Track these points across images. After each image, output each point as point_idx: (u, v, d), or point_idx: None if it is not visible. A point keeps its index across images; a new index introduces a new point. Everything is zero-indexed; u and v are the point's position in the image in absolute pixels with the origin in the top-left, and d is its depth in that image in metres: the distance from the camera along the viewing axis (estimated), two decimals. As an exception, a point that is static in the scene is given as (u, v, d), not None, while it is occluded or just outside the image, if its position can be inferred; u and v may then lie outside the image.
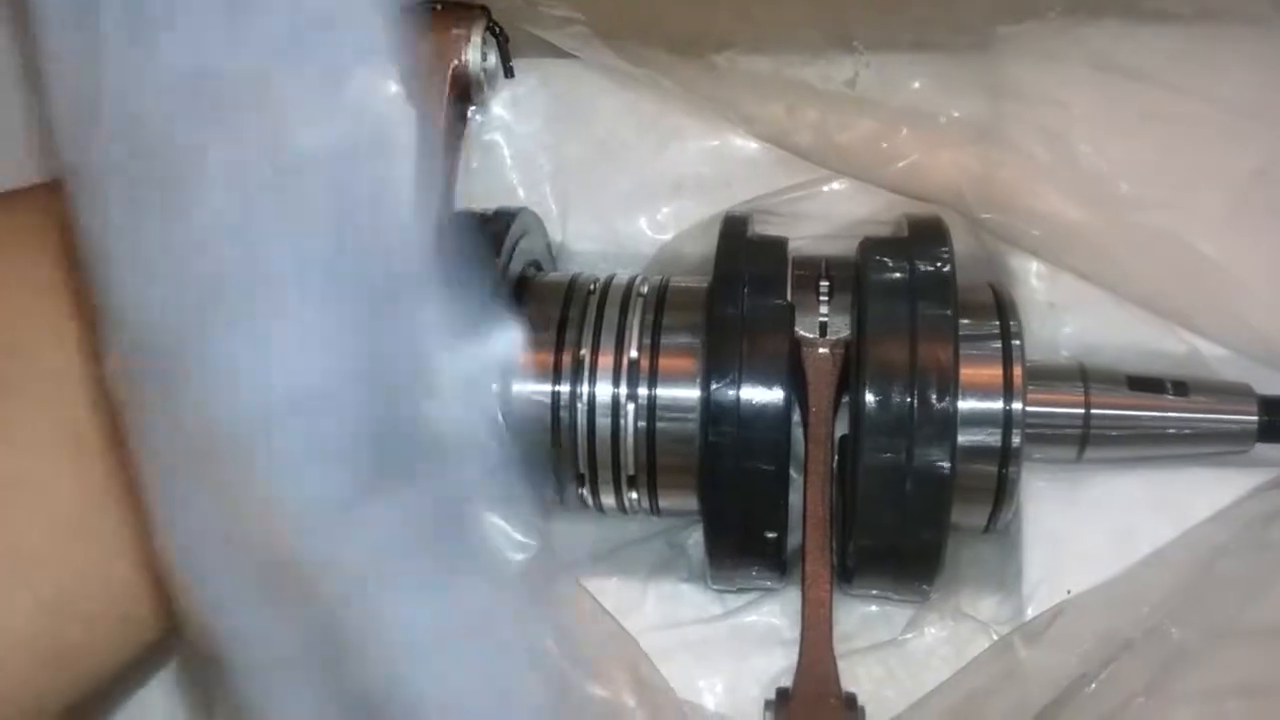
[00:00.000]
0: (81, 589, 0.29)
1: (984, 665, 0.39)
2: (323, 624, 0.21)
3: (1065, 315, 0.43)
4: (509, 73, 0.47)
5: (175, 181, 0.19)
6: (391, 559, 0.20)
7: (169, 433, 0.21)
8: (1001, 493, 0.39)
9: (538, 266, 0.44)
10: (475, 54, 0.45)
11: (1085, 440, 0.40)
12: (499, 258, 0.40)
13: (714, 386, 0.38)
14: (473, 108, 0.47)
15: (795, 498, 0.40)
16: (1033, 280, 0.43)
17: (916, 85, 0.43)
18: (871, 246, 0.40)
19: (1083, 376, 0.40)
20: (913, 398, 0.36)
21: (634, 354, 0.40)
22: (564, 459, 0.41)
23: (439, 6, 0.45)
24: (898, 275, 0.38)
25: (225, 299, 0.19)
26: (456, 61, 0.45)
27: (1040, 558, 0.41)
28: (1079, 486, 0.41)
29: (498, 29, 0.46)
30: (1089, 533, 0.41)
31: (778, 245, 0.41)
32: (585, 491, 0.42)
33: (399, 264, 0.19)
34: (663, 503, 0.42)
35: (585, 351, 0.40)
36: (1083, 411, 0.40)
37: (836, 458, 0.40)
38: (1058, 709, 0.36)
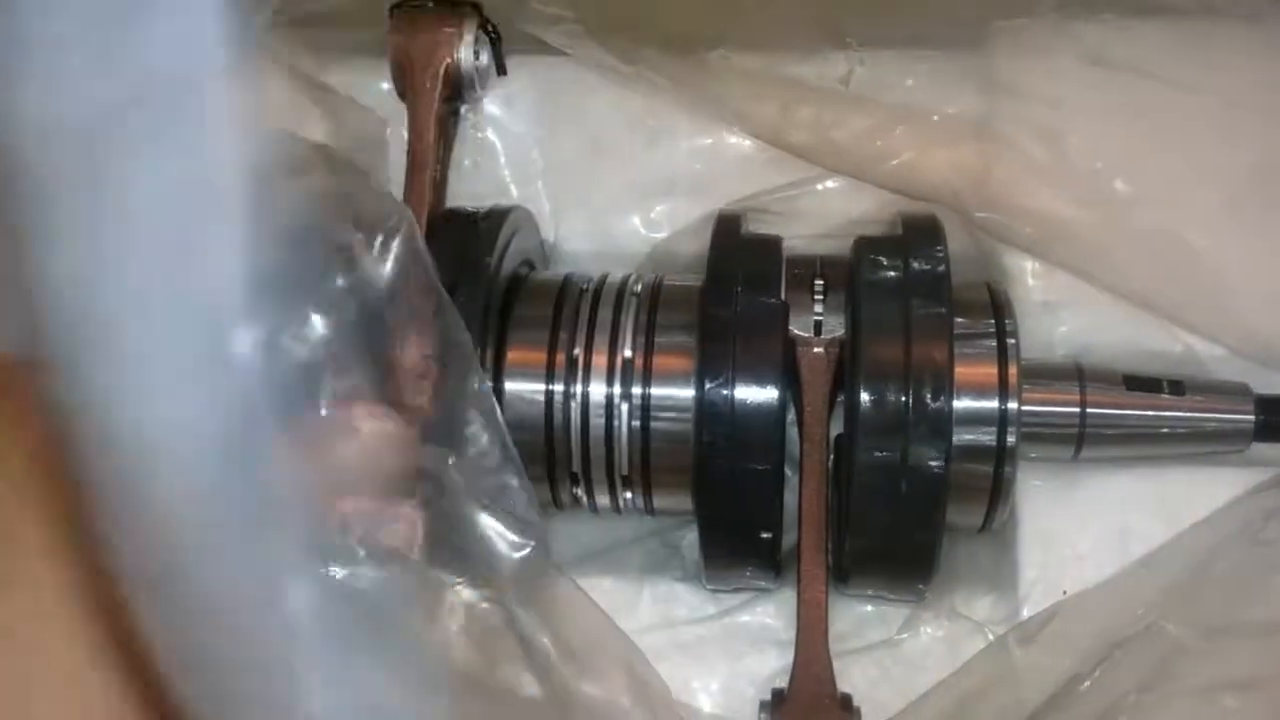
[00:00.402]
0: None
1: (979, 666, 0.39)
2: None
3: (1061, 314, 0.43)
4: (501, 70, 0.47)
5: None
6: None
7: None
8: (997, 492, 0.38)
9: (530, 265, 0.44)
10: (467, 52, 0.45)
11: (1081, 439, 0.40)
12: (491, 256, 0.40)
13: (708, 386, 0.38)
14: (464, 106, 0.47)
15: (791, 498, 0.40)
16: (1028, 279, 0.43)
17: (910, 82, 0.42)
18: (865, 245, 0.40)
19: (1079, 375, 0.40)
20: (908, 397, 0.36)
21: (628, 353, 0.40)
22: (558, 459, 0.41)
23: (431, 5, 0.45)
24: (892, 274, 0.38)
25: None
26: (449, 60, 0.45)
27: (1036, 557, 0.41)
28: (1075, 486, 0.41)
29: (490, 27, 0.46)
30: (1085, 532, 0.40)
31: (772, 244, 0.41)
32: (580, 491, 0.42)
33: None
34: (657, 502, 0.42)
35: (579, 351, 0.40)
36: (1079, 410, 0.39)
37: (832, 457, 0.40)
38: (1052, 709, 0.36)
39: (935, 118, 0.42)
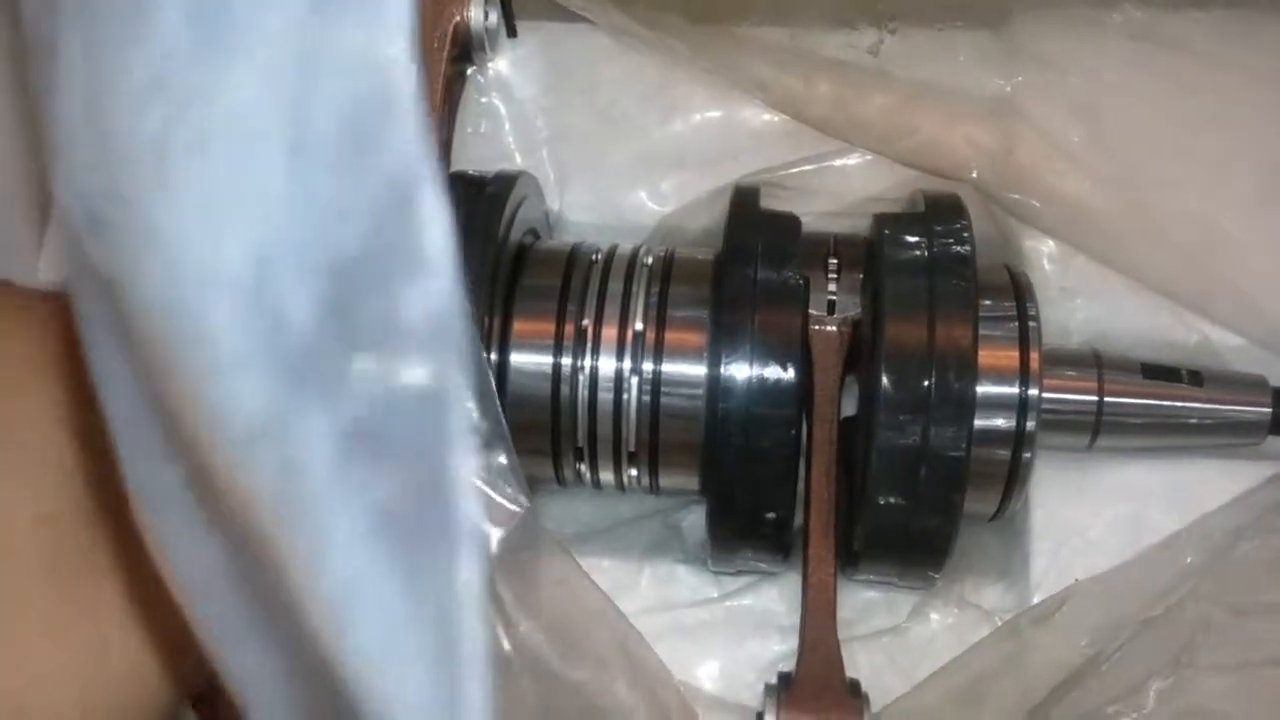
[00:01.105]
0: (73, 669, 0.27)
1: (990, 647, 0.39)
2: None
3: (1079, 299, 0.42)
4: (512, 31, 0.45)
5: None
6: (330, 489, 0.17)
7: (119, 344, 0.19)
8: (1013, 479, 0.38)
9: (535, 234, 0.43)
10: (477, 11, 0.43)
11: (1098, 428, 0.39)
12: (497, 224, 0.38)
13: (724, 361, 0.37)
14: (472, 67, 0.45)
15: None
16: (1046, 264, 0.42)
17: (938, 57, 0.41)
18: (887, 222, 0.39)
19: (1097, 363, 0.39)
20: (930, 379, 0.35)
21: (639, 326, 0.39)
22: (563, 433, 0.39)
23: (441, -40, 0.43)
24: (916, 252, 0.37)
25: (173, 151, 0.17)
26: (457, 18, 0.43)
27: (1048, 546, 0.40)
28: (1088, 475, 0.41)
29: (502, -14, 0.44)
30: (1097, 522, 0.40)
31: (790, 220, 0.40)
32: (584, 467, 0.41)
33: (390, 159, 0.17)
34: (663, 481, 0.41)
35: (588, 322, 0.39)
36: (1096, 398, 0.39)
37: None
38: (1072, 687, 0.35)
39: (960, 94, 0.41)
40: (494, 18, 0.44)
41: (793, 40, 0.41)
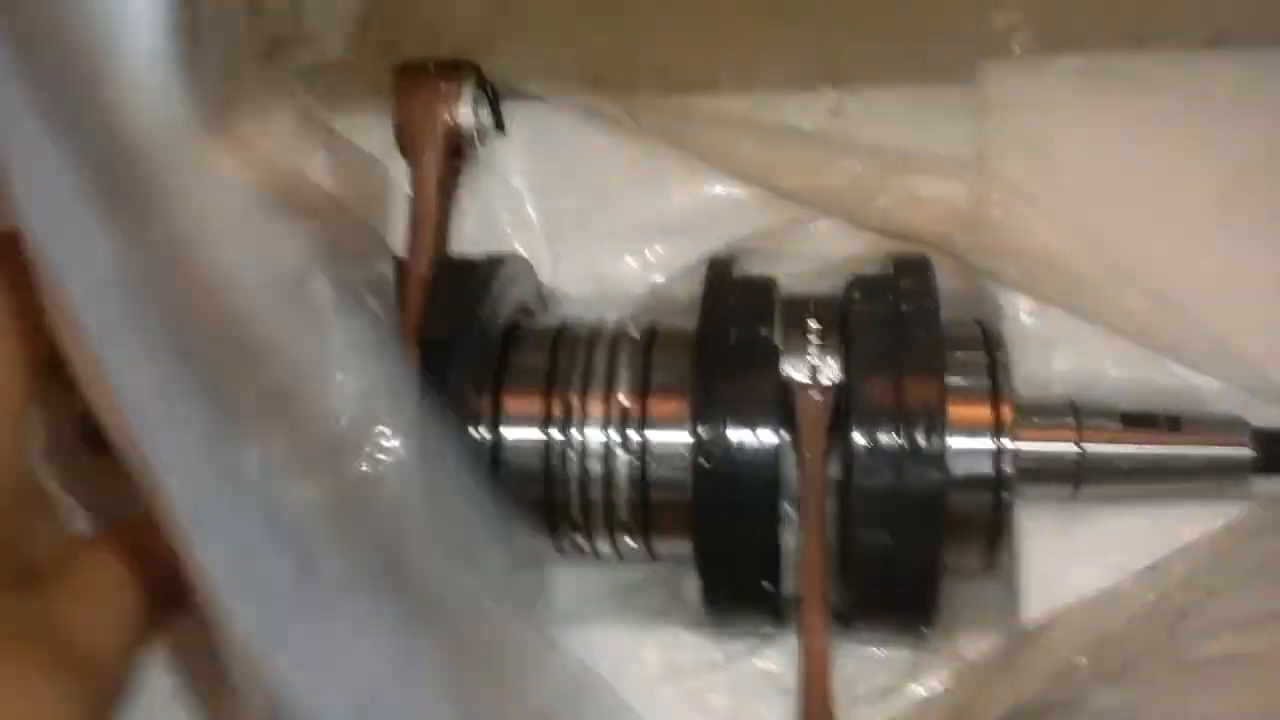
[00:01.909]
0: None
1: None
2: None
3: (1057, 350, 0.43)
4: (500, 127, 0.48)
5: None
6: None
7: None
8: (995, 531, 0.38)
9: (527, 312, 0.45)
10: (466, 111, 0.46)
11: (1081, 476, 0.39)
12: (485, 307, 0.40)
13: (701, 429, 0.38)
14: (465, 161, 0.48)
15: (793, 542, 0.40)
16: (1023, 316, 0.43)
17: (900, 115, 0.43)
18: (854, 285, 0.40)
19: (1074, 412, 0.40)
20: (900, 437, 0.36)
21: (623, 399, 0.40)
22: (558, 506, 0.41)
23: (432, 67, 0.46)
24: (882, 312, 0.38)
25: None
26: (448, 119, 0.46)
27: (1038, 597, 0.40)
28: (1076, 523, 0.41)
29: (488, 85, 0.47)
30: (1087, 570, 0.40)
31: (764, 285, 0.41)
32: (580, 538, 0.42)
33: None
34: (659, 549, 0.42)
35: (574, 398, 0.40)
36: (1075, 448, 0.39)
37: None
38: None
39: (922, 158, 0.42)
40: (484, 115, 0.47)
41: (755, 108, 0.43)
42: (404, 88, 0.46)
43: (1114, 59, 0.40)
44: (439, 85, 0.46)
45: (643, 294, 0.47)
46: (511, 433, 0.40)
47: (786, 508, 0.39)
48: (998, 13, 0.41)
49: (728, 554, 0.39)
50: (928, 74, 0.43)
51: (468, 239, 0.47)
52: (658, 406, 0.40)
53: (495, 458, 0.40)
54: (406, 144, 0.46)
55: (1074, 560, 0.41)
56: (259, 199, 0.27)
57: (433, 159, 0.46)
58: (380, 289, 0.35)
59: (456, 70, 0.46)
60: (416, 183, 0.46)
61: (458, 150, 0.47)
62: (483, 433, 0.40)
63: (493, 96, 0.47)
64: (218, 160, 0.23)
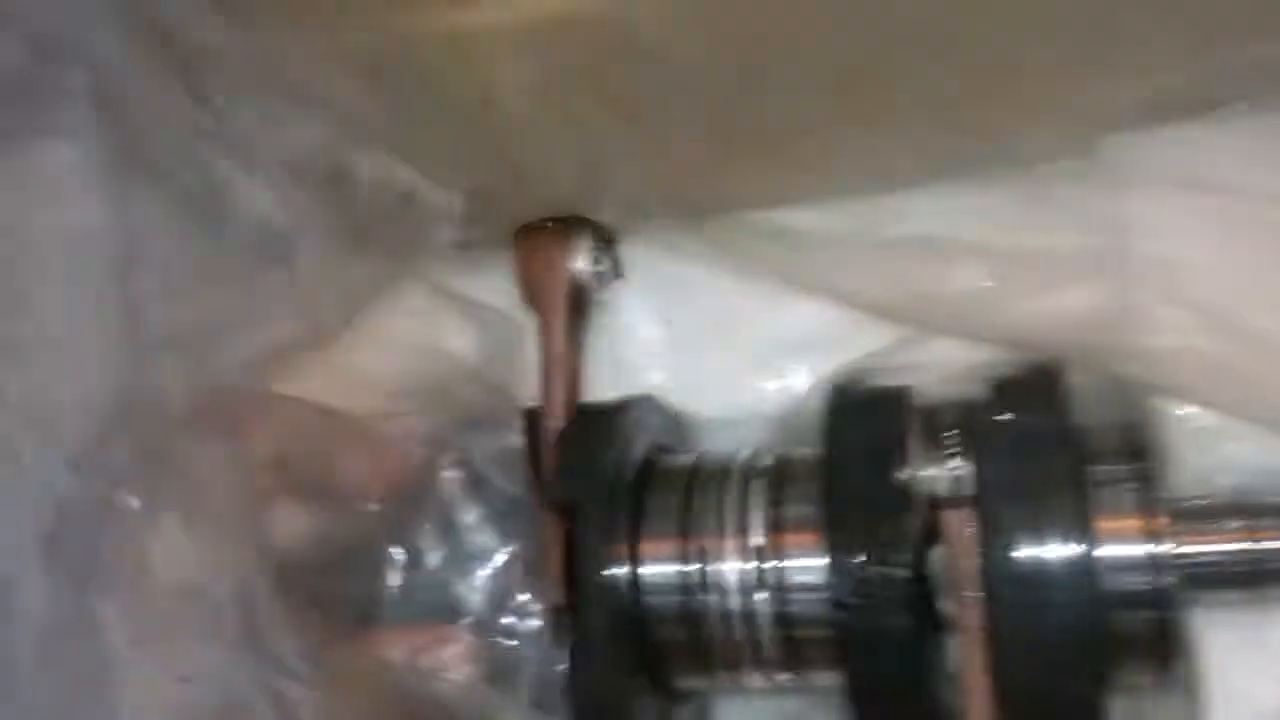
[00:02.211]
0: None
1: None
2: None
3: (1217, 446, 0.40)
4: (619, 274, 0.49)
5: None
6: None
7: None
8: (1165, 642, 0.36)
9: (663, 448, 0.45)
10: (585, 262, 0.48)
11: (1257, 578, 0.37)
12: (615, 454, 0.41)
13: (838, 566, 0.37)
14: (590, 308, 0.49)
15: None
16: (1177, 411, 0.41)
17: (1014, 220, 0.42)
18: (984, 398, 0.39)
19: (1242, 510, 0.37)
20: (1044, 551, 0.35)
21: (759, 537, 0.40)
22: (704, 648, 0.41)
23: (550, 225, 0.48)
24: (1011, 429, 0.37)
25: None
26: (569, 272, 0.47)
27: (1227, 712, 0.37)
28: (1263, 629, 0.38)
29: (605, 235, 0.48)
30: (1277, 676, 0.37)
31: (893, 401, 0.41)
32: (730, 675, 0.41)
33: None
34: (810, 680, 0.41)
35: (709, 540, 0.40)
36: (1248, 547, 0.37)
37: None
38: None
39: (1044, 260, 0.41)
40: (602, 263, 0.48)
41: (850, 226, 0.42)
42: (525, 247, 0.48)
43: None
44: (558, 240, 0.48)
45: (774, 414, 0.47)
46: (650, 572, 0.41)
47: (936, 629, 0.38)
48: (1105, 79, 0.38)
49: (875, 684, 0.37)
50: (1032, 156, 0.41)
51: (601, 381, 0.49)
52: (792, 541, 0.40)
53: (636, 601, 0.40)
54: (532, 298, 0.48)
55: (1263, 669, 0.37)
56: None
57: (558, 310, 0.48)
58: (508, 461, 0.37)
59: (571, 225, 0.48)
60: (545, 335, 0.48)
61: (581, 298, 0.48)
62: (623, 572, 0.40)
63: (609, 244, 0.48)
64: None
